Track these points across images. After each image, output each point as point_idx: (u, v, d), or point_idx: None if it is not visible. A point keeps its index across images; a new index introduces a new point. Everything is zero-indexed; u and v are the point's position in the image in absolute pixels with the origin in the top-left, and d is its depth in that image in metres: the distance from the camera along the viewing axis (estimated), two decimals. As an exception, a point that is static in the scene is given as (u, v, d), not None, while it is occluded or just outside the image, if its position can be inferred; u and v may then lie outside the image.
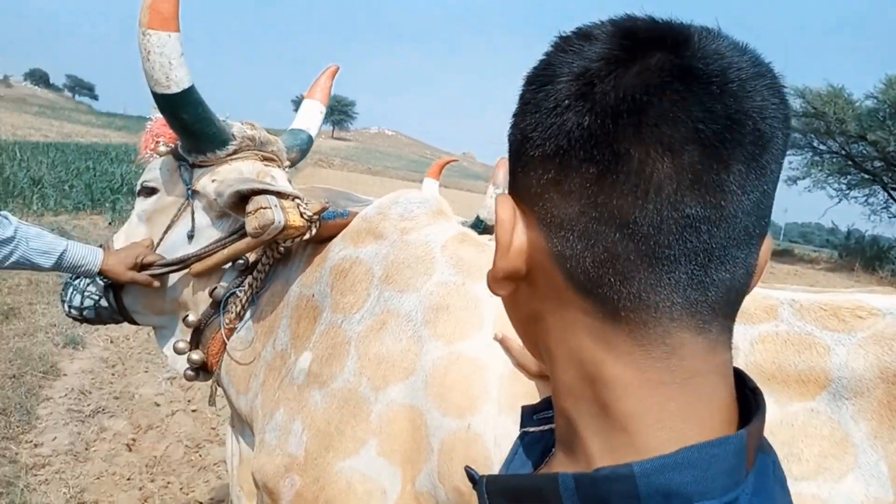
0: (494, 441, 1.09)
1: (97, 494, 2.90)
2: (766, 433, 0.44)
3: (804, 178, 19.95)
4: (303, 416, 1.25)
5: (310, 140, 1.84)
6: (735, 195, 0.38)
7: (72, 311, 1.61)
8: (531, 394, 1.10)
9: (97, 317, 1.60)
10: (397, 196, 1.43)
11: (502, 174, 2.36)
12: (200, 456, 3.37)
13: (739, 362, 1.02)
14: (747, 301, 1.06)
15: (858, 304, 1.05)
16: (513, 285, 0.46)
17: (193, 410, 3.91)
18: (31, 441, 3.27)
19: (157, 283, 1.51)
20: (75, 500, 2.83)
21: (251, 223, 1.28)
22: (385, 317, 1.25)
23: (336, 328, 1.30)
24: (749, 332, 1.04)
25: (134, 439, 3.48)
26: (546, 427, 0.55)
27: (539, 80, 0.42)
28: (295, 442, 1.24)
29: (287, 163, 1.71)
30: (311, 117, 1.86)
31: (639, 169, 0.37)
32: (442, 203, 1.44)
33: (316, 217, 1.35)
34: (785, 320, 1.05)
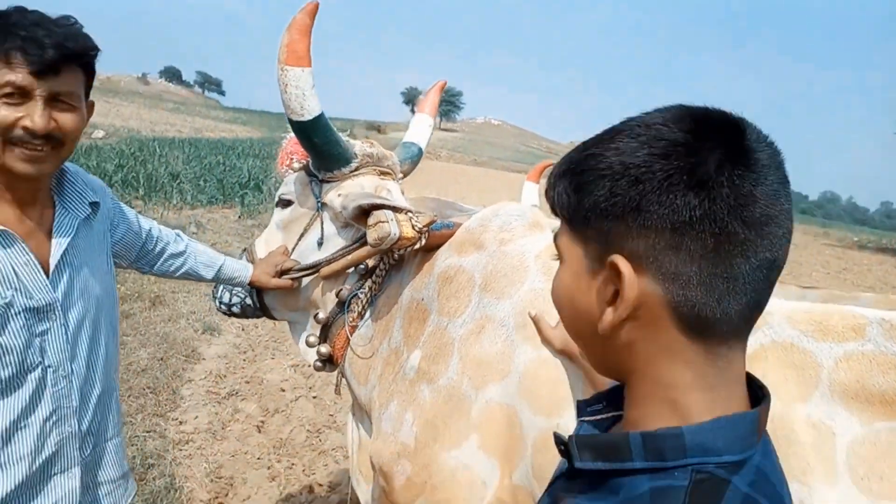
0: None
1: (232, 471, 3.26)
2: (849, 451, 0.74)
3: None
4: (413, 408, 1.40)
5: (420, 153, 1.99)
6: (785, 242, 0.56)
7: (221, 306, 1.89)
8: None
9: (242, 312, 1.86)
10: (497, 209, 1.54)
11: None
12: (320, 440, 3.67)
13: (823, 379, 1.04)
14: (835, 318, 1.08)
15: None
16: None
17: (314, 397, 4.25)
18: (177, 419, 3.71)
19: (294, 285, 1.73)
20: (213, 475, 3.19)
21: (371, 234, 1.45)
22: (483, 321, 1.37)
23: (442, 330, 1.44)
24: (835, 349, 1.05)
25: (263, 422, 3.84)
26: (598, 417, 0.70)
27: (653, 159, 0.54)
28: (406, 431, 1.38)
29: (400, 175, 1.87)
30: (421, 130, 2.02)
31: (744, 241, 0.53)
32: (538, 215, 1.54)
33: (425, 229, 1.49)
34: (872, 339, 1.05)
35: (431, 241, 1.54)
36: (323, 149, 1.63)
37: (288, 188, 1.82)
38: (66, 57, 1.14)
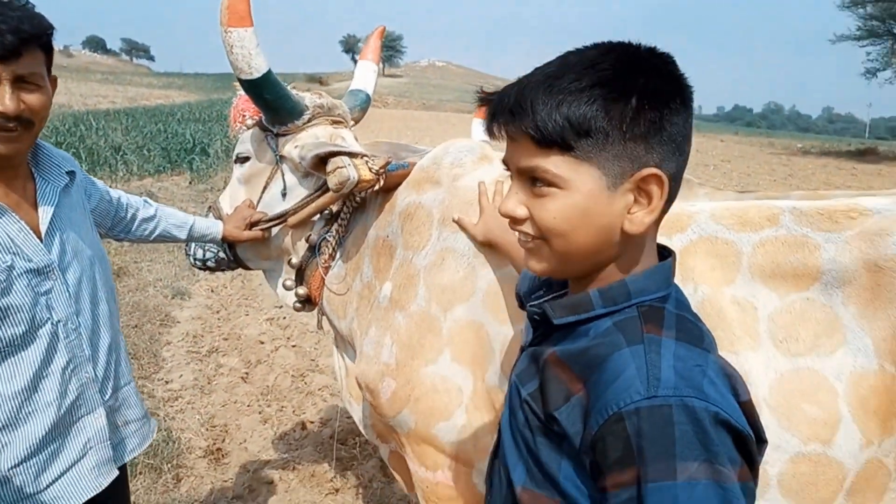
0: None
1: (224, 419, 3.42)
2: (769, 321, 1.11)
3: (884, 69, 18.48)
4: (391, 332, 1.56)
5: (368, 99, 2.08)
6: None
7: (196, 262, 1.99)
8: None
9: (217, 266, 1.97)
10: (448, 146, 1.67)
11: None
12: (305, 383, 3.86)
13: (744, 263, 1.23)
14: (752, 210, 1.26)
15: (852, 206, 1.23)
16: None
17: (293, 346, 4.41)
18: (162, 379, 3.84)
19: (265, 236, 1.85)
20: (208, 424, 3.36)
21: (332, 180, 1.56)
22: (444, 253, 1.52)
23: (408, 263, 1.59)
24: (752, 237, 1.24)
25: (247, 373, 4.00)
26: (542, 300, 0.88)
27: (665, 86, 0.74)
28: (387, 353, 1.55)
29: (352, 122, 1.97)
30: (367, 77, 2.11)
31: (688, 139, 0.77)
32: (485, 148, 1.67)
33: (382, 170, 1.62)
34: (784, 225, 1.24)
35: (389, 182, 1.66)
36: (275, 104, 1.71)
37: (244, 146, 1.90)
38: (25, 40, 1.20)
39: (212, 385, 3.81)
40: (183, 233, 1.83)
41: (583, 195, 0.73)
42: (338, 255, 1.79)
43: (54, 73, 1.35)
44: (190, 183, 10.10)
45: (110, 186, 1.75)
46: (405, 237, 1.62)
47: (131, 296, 5.13)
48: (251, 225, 1.83)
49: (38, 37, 1.24)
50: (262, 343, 4.44)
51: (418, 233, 1.58)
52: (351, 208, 1.77)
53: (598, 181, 0.72)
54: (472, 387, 1.46)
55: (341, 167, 1.55)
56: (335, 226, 1.77)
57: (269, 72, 1.64)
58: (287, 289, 1.89)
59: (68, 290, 1.37)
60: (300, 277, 1.86)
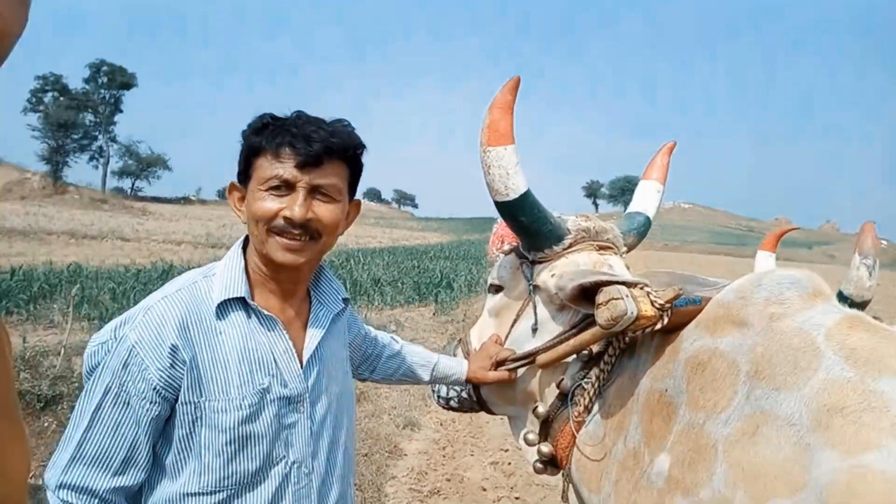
0: None
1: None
2: None
3: None
4: (667, 526, 1.13)
5: (647, 223, 1.79)
6: None
7: (440, 400, 1.82)
8: None
9: (460, 406, 1.76)
10: (760, 277, 1.26)
11: (870, 241, 1.97)
12: (528, 547, 3.36)
13: None
14: None
15: None
16: None
17: (517, 498, 3.98)
18: (382, 517, 3.64)
19: (513, 377, 1.59)
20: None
21: (603, 315, 1.25)
22: (758, 419, 1.08)
23: (697, 429, 1.17)
24: None
25: (467, 524, 3.64)
26: None
27: None
28: (662, 556, 1.11)
29: (624, 249, 1.68)
30: (648, 198, 1.83)
31: None
32: (817, 281, 1.23)
33: (668, 305, 1.27)
34: None
35: (674, 320, 1.30)
36: (531, 227, 1.51)
37: (498, 273, 1.72)
38: (329, 150, 1.18)
39: (429, 532, 3.52)
40: (427, 373, 1.68)
41: None
42: (595, 409, 1.43)
43: (358, 199, 1.34)
44: (434, 314, 10.58)
45: (366, 314, 1.70)
46: (692, 394, 1.21)
47: (366, 422, 5.21)
48: (497, 364, 1.59)
49: (345, 150, 1.22)
50: (485, 490, 4.08)
51: (714, 389, 1.17)
52: (617, 351, 1.42)
53: None
54: None
55: (616, 299, 1.24)
56: (595, 370, 1.43)
57: (528, 193, 1.46)
58: (528, 444, 1.56)
59: (311, 427, 1.23)
60: (546, 431, 1.53)
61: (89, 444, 1.07)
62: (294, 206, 1.15)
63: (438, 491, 4.06)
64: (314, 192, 1.19)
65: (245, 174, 1.21)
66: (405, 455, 4.66)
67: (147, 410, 1.08)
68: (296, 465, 1.18)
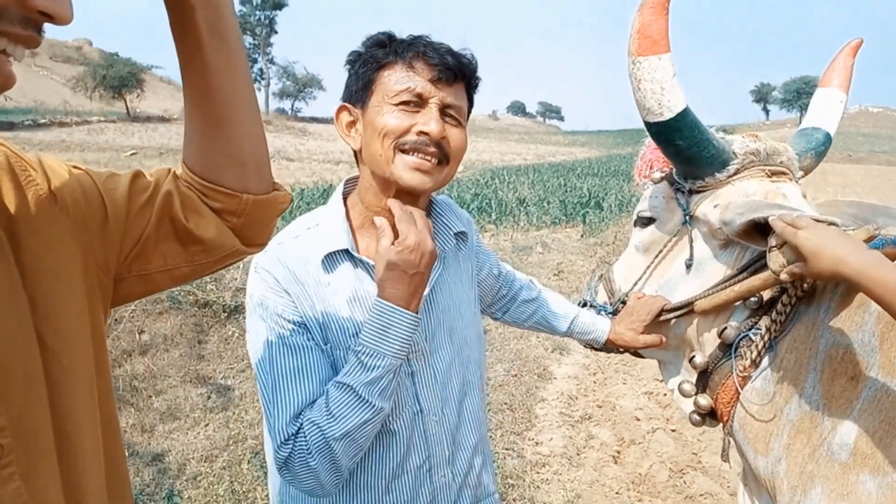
0: None
1: (590, 503, 3.06)
2: None
3: None
4: (850, 503, 0.97)
5: (828, 140, 1.50)
6: None
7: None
8: None
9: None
10: None
11: None
12: (685, 483, 3.25)
13: None
14: None
15: None
16: None
17: (673, 430, 3.83)
18: (533, 439, 3.69)
19: (664, 344, 1.45)
20: (573, 503, 3.04)
21: (777, 260, 1.07)
22: None
23: (893, 397, 0.98)
24: None
25: (619, 451, 3.59)
26: None
27: None
28: (845, 538, 0.96)
29: (800, 173, 1.43)
30: (828, 110, 1.52)
31: None
32: None
33: (860, 249, 1.05)
34: None
35: (866, 265, 1.08)
36: (690, 151, 1.30)
37: (648, 203, 1.54)
38: (461, 68, 1.11)
39: (580, 458, 3.51)
40: (563, 324, 1.56)
41: None
42: (764, 363, 1.26)
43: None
44: (582, 236, 10.28)
45: (513, 235, 1.61)
46: (888, 354, 1.01)
47: (515, 343, 5.25)
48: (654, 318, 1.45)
49: (472, 73, 1.15)
50: (638, 420, 3.97)
51: (920, 352, 0.97)
52: (794, 298, 1.22)
53: None
54: None
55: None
56: (766, 320, 1.24)
57: (686, 110, 1.25)
58: (684, 394, 1.43)
59: (436, 374, 1.18)
60: (703, 382, 1.38)
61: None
62: (430, 122, 1.08)
63: (590, 417, 4.03)
64: (444, 111, 1.11)
65: (363, 92, 1.13)
66: (555, 378, 4.65)
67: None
68: (423, 414, 1.15)
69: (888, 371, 1.00)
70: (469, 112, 1.19)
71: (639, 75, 1.25)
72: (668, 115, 1.25)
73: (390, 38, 1.12)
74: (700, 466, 3.41)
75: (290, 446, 1.02)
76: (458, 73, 1.11)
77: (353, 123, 1.16)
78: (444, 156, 1.12)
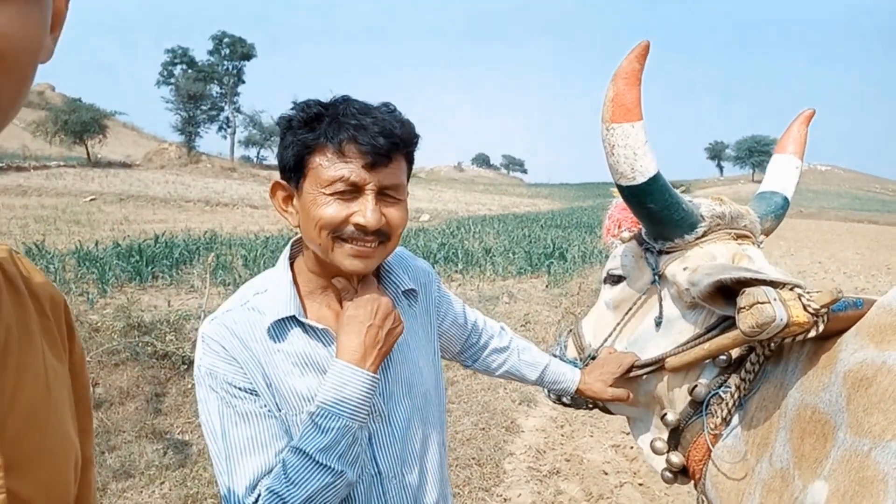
0: None
1: (560, 561, 3.01)
2: None
3: None
4: (826, 566, 0.98)
5: (786, 203, 1.58)
6: None
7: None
8: None
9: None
10: None
11: None
12: (654, 538, 3.22)
13: None
14: None
15: None
16: None
17: (640, 484, 3.82)
18: (501, 495, 3.63)
19: (632, 400, 1.47)
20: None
21: (746, 321, 1.10)
22: None
23: (861, 457, 1.00)
24: None
25: (587, 507, 3.55)
26: None
27: None
28: None
29: (762, 237, 1.49)
30: (785, 175, 1.60)
31: None
32: None
33: (824, 311, 1.09)
34: None
35: (829, 327, 1.13)
36: (661, 214, 1.36)
37: (617, 262, 1.58)
38: (396, 146, 1.08)
39: (549, 514, 3.46)
40: (534, 373, 1.56)
41: None
42: (735, 421, 1.28)
43: (417, 187, 1.23)
44: (547, 286, 10.37)
45: (479, 285, 1.61)
46: (855, 414, 1.04)
47: (483, 395, 5.21)
48: (624, 373, 1.47)
49: (408, 143, 1.11)
50: (606, 474, 3.95)
51: (882, 411, 1.00)
52: (762, 356, 1.26)
53: None
54: None
55: (763, 303, 1.09)
56: (735, 378, 1.28)
57: (658, 175, 1.30)
58: (656, 452, 1.44)
59: (394, 435, 1.16)
60: (675, 440, 1.40)
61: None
62: (367, 212, 1.06)
63: (558, 471, 3.99)
64: (381, 192, 1.09)
65: (296, 173, 1.09)
66: (522, 431, 4.61)
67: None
68: (384, 478, 1.13)
69: (856, 430, 1.03)
70: (410, 171, 1.18)
71: (612, 141, 1.30)
72: (640, 180, 1.30)
73: (318, 115, 1.07)
74: (668, 522, 3.40)
75: None
76: (392, 153, 1.08)
77: (289, 199, 1.15)
78: (384, 236, 1.11)
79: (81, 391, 0.74)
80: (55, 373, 0.67)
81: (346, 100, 1.10)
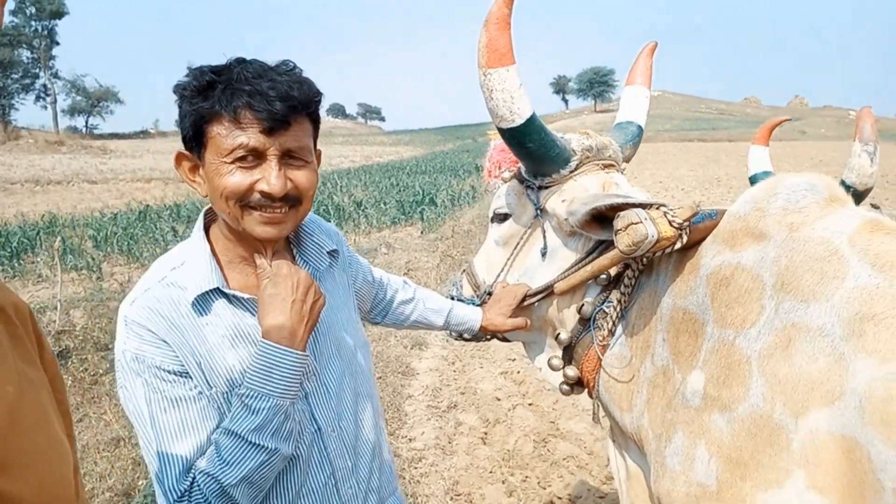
0: None
1: (468, 487, 3.22)
2: None
3: None
4: (706, 441, 1.16)
5: (640, 132, 1.74)
6: None
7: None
8: None
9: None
10: (774, 185, 1.24)
11: (869, 126, 1.91)
12: (548, 451, 3.53)
13: None
14: None
15: None
16: None
17: (530, 404, 4.13)
18: (406, 436, 3.77)
19: (529, 326, 1.59)
20: (452, 492, 3.17)
21: (623, 240, 1.23)
22: (790, 332, 1.09)
23: (728, 345, 1.18)
24: None
25: (486, 433, 3.79)
26: None
27: None
28: (702, 470, 1.15)
29: (624, 164, 1.64)
30: (637, 105, 1.77)
31: None
32: (832, 185, 1.21)
33: (686, 224, 1.25)
34: None
35: (691, 237, 1.29)
36: (539, 152, 1.45)
37: (502, 201, 1.68)
38: (294, 108, 1.04)
39: (452, 445, 3.66)
40: (440, 319, 1.64)
41: None
42: (619, 331, 1.44)
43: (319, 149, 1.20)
44: (422, 233, 10.57)
45: (356, 239, 1.63)
46: (718, 310, 1.22)
47: (375, 345, 5.29)
48: (519, 304, 1.58)
49: (308, 104, 1.08)
50: (499, 400, 4.22)
51: (740, 304, 1.18)
52: (636, 271, 1.42)
53: None
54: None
55: (636, 223, 1.22)
56: (616, 293, 1.43)
57: (534, 116, 1.39)
58: (553, 368, 1.58)
59: (328, 391, 1.19)
60: (569, 355, 1.55)
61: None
62: (271, 178, 1.04)
63: (455, 405, 4.20)
64: (285, 156, 1.07)
65: (197, 141, 1.06)
66: (417, 374, 4.78)
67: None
68: (324, 433, 1.16)
69: (721, 324, 1.20)
70: (317, 132, 1.16)
71: (490, 86, 1.36)
72: (518, 122, 1.37)
73: (211, 83, 1.03)
74: (559, 433, 3.72)
75: (186, 502, 0.99)
76: (292, 114, 1.05)
77: (195, 168, 1.11)
78: (294, 201, 1.10)
79: (58, 396, 0.73)
80: (27, 377, 0.66)
81: (240, 63, 1.06)
